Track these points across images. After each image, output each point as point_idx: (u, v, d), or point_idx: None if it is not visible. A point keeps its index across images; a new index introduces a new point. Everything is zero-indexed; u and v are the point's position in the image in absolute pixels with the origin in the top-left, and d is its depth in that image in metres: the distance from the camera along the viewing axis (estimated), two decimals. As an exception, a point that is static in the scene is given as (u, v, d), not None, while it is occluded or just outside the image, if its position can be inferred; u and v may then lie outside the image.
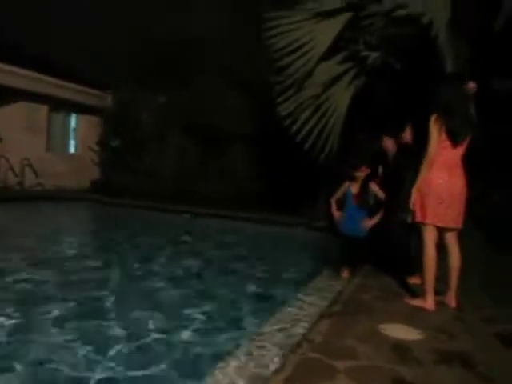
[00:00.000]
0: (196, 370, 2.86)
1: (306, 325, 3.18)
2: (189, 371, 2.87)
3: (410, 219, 3.88)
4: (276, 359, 2.60)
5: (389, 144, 5.10)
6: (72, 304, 3.98)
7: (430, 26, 4.94)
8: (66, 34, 13.59)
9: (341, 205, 4.98)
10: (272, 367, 2.50)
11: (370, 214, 4.78)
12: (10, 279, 4.68)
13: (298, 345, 2.82)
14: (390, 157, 5.18)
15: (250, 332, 3.35)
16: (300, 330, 3.08)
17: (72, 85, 13.95)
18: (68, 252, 6.55)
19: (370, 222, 4.75)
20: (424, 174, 3.71)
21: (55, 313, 3.74)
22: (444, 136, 3.68)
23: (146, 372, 2.84)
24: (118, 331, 3.43)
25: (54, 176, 13.28)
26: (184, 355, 3.11)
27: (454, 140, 3.69)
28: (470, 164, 3.80)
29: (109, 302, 4.09)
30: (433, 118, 3.69)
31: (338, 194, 5.00)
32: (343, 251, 5.07)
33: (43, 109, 13.84)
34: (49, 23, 13.69)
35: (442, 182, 3.67)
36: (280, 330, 3.06)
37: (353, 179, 4.85)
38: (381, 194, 4.71)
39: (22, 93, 12.59)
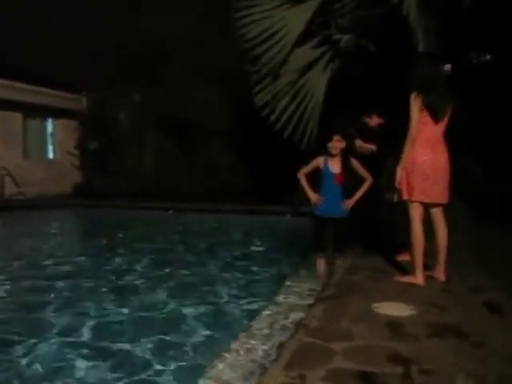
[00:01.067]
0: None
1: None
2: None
3: (396, 198, 3.92)
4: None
5: (376, 121, 5.15)
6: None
7: (400, 5, 4.95)
8: (36, 38, 13.35)
9: (313, 184, 4.48)
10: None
11: (350, 193, 4.40)
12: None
13: (294, 331, 2.85)
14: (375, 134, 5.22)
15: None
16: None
17: (45, 90, 13.72)
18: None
19: (351, 202, 4.37)
20: (407, 152, 3.74)
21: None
22: (425, 113, 3.72)
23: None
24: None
25: (34, 183, 13.06)
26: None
27: (435, 116, 3.74)
28: (453, 139, 3.85)
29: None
30: (412, 95, 3.72)
31: (307, 168, 4.47)
32: (317, 237, 4.56)
33: (18, 116, 13.58)
34: (17, 28, 13.44)
35: (426, 159, 3.72)
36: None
37: (327, 153, 4.36)
38: (362, 172, 4.37)
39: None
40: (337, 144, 4.27)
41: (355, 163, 4.38)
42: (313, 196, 4.44)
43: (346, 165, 4.34)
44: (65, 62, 13.24)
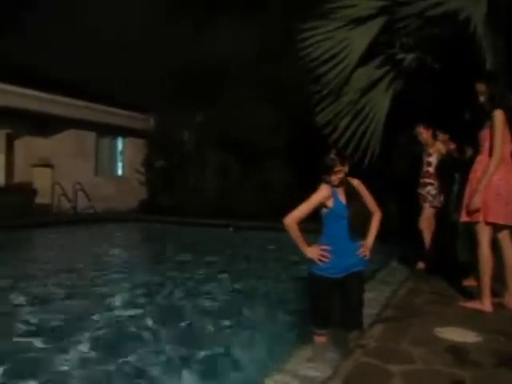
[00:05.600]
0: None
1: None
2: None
3: (463, 219, 3.76)
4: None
5: (445, 141, 5.07)
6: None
7: (467, 23, 4.84)
8: (107, 64, 14.31)
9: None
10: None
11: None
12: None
13: (351, 350, 2.80)
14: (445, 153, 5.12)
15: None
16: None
17: (118, 110, 14.55)
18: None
19: (368, 246, 3.02)
20: (493, 172, 3.53)
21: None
22: (505, 131, 3.57)
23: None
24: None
25: (104, 198, 13.79)
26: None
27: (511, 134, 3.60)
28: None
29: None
30: (498, 112, 3.54)
31: (306, 206, 2.94)
32: (316, 307, 3.10)
33: (91, 135, 14.48)
34: (87, 53, 14.47)
35: (500, 179, 3.56)
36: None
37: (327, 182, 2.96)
38: (369, 200, 3.06)
39: (71, 121, 13.25)
40: (337, 176, 2.90)
41: (360, 187, 3.05)
42: (312, 252, 2.96)
43: (351, 195, 2.97)
44: (132, 84, 14.07)
